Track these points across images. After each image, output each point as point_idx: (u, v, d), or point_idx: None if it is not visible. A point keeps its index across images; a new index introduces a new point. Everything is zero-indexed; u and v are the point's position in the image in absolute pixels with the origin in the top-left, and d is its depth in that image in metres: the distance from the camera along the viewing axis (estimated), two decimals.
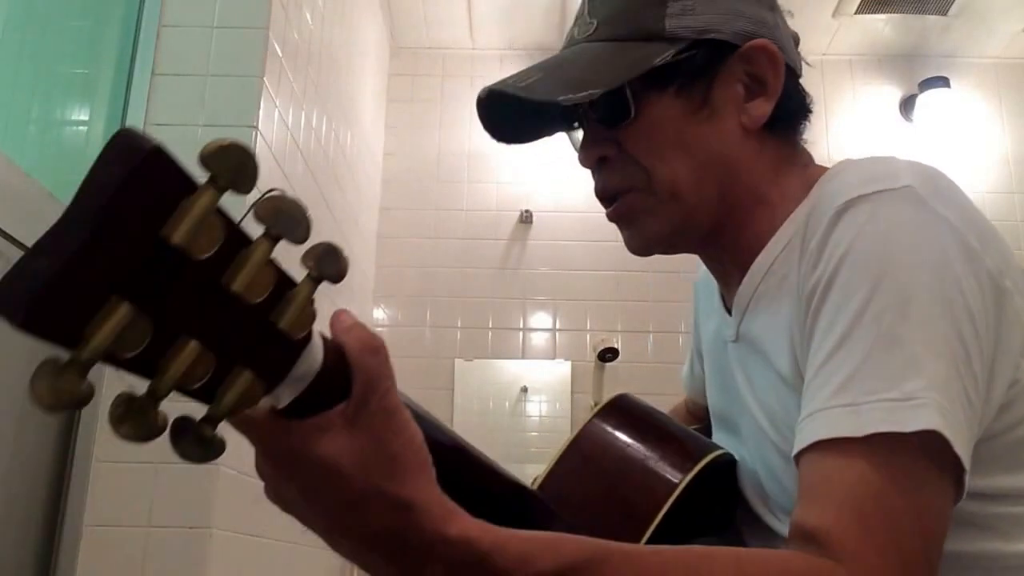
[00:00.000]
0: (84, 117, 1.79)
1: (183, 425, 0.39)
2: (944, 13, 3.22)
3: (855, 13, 3.22)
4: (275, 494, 0.50)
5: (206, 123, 1.71)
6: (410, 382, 3.12)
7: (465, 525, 0.48)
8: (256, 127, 1.73)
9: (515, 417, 3.12)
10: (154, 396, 0.36)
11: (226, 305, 0.38)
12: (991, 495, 0.64)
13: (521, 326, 3.26)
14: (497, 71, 3.55)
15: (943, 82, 3.39)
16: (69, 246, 0.33)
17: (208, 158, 0.36)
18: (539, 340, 3.25)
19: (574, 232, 3.28)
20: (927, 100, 3.39)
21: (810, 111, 0.81)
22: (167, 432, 0.38)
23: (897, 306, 0.59)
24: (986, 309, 0.62)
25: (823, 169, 0.76)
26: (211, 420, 0.39)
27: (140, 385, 0.37)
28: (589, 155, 0.78)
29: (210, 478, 1.56)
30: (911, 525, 0.56)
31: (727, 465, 0.79)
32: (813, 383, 0.62)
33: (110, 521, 1.53)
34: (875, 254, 0.61)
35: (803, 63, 0.82)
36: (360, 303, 2.98)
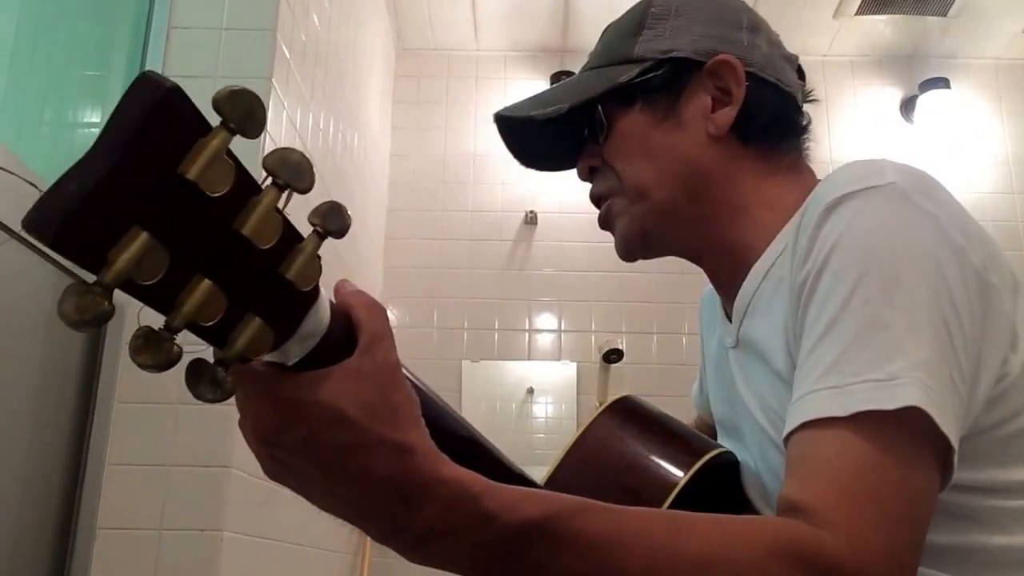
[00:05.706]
0: (96, 119, 1.81)
1: (198, 366, 0.41)
2: (944, 14, 3.24)
3: (855, 14, 3.22)
4: (272, 459, 0.51)
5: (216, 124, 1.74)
6: None
7: (457, 469, 0.51)
8: (265, 128, 1.76)
9: (521, 418, 3.13)
10: (170, 329, 0.39)
11: (237, 248, 0.40)
12: (983, 488, 0.66)
13: (527, 327, 3.28)
14: (501, 72, 3.57)
15: (943, 83, 3.41)
16: (96, 174, 0.35)
17: (220, 102, 0.38)
18: (544, 341, 3.27)
19: (578, 233, 3.29)
20: (927, 101, 3.41)
21: (796, 126, 0.84)
22: (183, 378, 0.41)
23: (882, 292, 0.61)
24: (971, 301, 0.63)
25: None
26: (224, 362, 0.42)
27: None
28: (581, 167, 0.88)
29: (221, 481, 1.58)
30: (896, 498, 0.57)
31: (730, 466, 0.81)
32: (802, 369, 0.64)
33: (123, 524, 1.55)
34: (862, 245, 0.64)
35: (803, 85, 0.86)
36: None
